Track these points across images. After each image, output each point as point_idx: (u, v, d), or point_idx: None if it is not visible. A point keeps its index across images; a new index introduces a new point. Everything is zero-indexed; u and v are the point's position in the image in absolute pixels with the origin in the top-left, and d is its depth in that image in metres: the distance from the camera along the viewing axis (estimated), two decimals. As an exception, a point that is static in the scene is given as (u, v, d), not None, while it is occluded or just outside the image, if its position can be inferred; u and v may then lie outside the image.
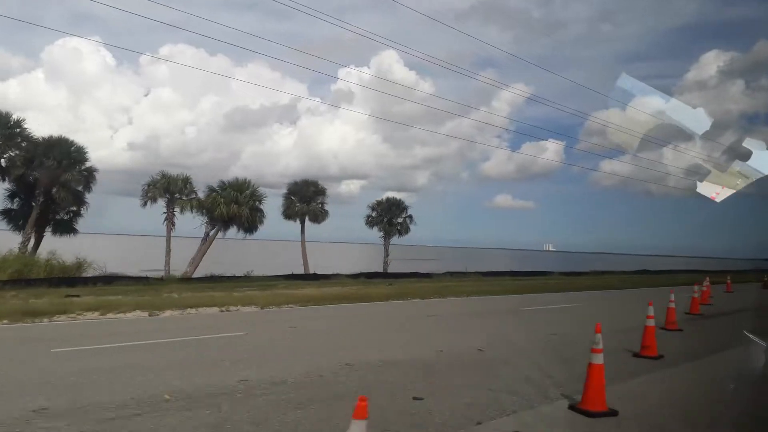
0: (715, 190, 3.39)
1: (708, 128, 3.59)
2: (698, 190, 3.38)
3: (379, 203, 40.37)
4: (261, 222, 31.06)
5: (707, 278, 23.44)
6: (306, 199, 36.22)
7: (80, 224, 28.82)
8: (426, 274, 35.16)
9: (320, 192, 36.80)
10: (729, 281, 26.43)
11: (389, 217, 40.17)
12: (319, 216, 36.37)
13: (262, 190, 31.16)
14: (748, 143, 3.36)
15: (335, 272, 31.92)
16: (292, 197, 36.42)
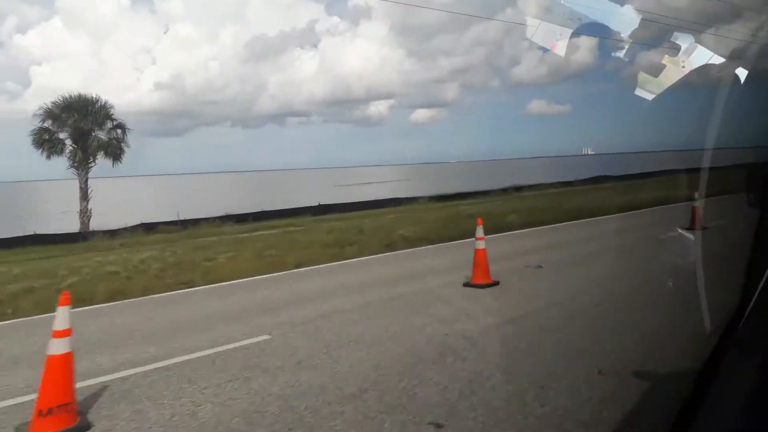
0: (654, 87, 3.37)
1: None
2: (637, 91, 3.39)
3: (50, 112, 23.78)
4: None
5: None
6: None
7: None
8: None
9: None
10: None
11: (76, 131, 23.72)
12: None
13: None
14: (677, 38, 3.47)
15: None
16: None
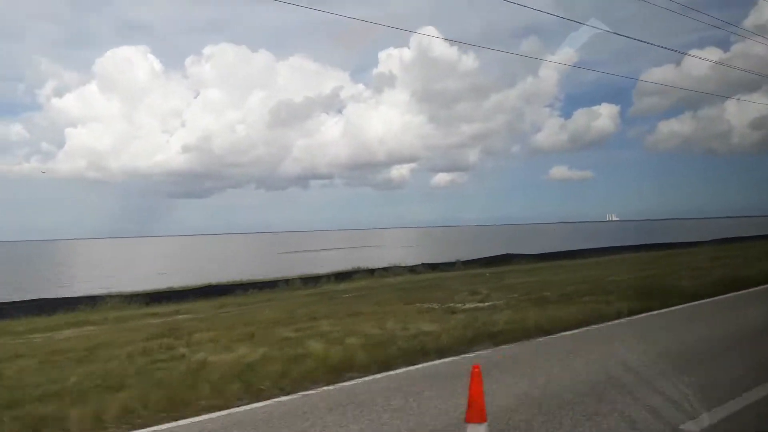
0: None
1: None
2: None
3: None
4: None
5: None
6: None
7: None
8: None
9: None
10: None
11: None
12: None
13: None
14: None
15: None
16: None
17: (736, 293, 11.91)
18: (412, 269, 23.56)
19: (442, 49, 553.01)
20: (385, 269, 23.35)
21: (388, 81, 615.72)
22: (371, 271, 22.76)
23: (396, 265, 24.31)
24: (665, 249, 31.93)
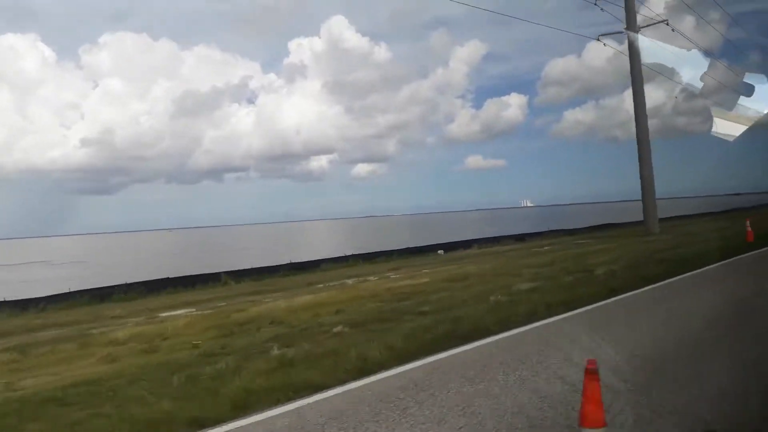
0: (730, 130, 3.33)
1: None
2: (713, 131, 3.39)
3: None
4: None
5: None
6: None
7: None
8: None
9: None
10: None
11: None
12: None
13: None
14: (750, 78, 3.45)
15: None
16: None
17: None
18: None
19: (353, 39, 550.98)
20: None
21: (299, 71, 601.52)
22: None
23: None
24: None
